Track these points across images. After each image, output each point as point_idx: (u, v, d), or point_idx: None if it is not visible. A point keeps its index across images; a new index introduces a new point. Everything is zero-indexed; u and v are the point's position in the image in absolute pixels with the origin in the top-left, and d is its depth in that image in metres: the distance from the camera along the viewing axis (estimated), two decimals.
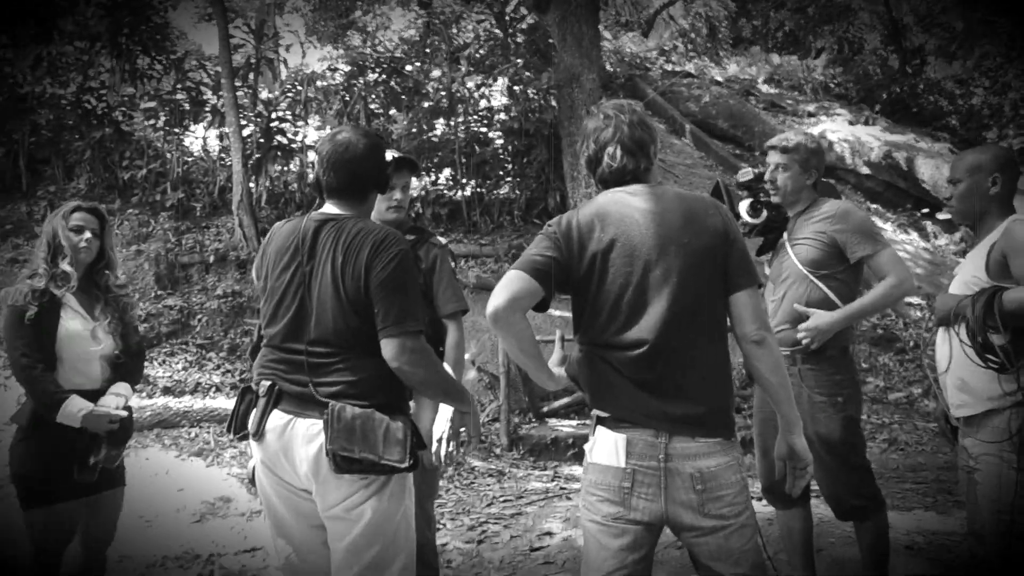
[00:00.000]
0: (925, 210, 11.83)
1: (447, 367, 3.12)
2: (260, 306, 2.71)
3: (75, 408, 3.15)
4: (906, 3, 14.57)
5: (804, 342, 3.24)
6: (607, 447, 2.28)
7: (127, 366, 3.42)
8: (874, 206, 12.17)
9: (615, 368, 2.29)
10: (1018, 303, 2.65)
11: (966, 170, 2.94)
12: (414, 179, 3.56)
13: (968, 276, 2.91)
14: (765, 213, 3.44)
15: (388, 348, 2.44)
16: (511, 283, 2.27)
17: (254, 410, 2.57)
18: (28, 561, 3.21)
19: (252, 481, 2.71)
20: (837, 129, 13.40)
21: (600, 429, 2.33)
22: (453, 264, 3.40)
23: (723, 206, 2.43)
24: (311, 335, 2.51)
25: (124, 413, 3.26)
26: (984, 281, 2.82)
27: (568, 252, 2.31)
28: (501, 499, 5.84)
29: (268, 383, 2.55)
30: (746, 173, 3.62)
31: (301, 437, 2.47)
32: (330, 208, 2.65)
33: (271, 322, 2.60)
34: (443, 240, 3.47)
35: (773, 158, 3.47)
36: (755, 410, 3.59)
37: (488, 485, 6.25)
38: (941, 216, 10.98)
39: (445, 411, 3.05)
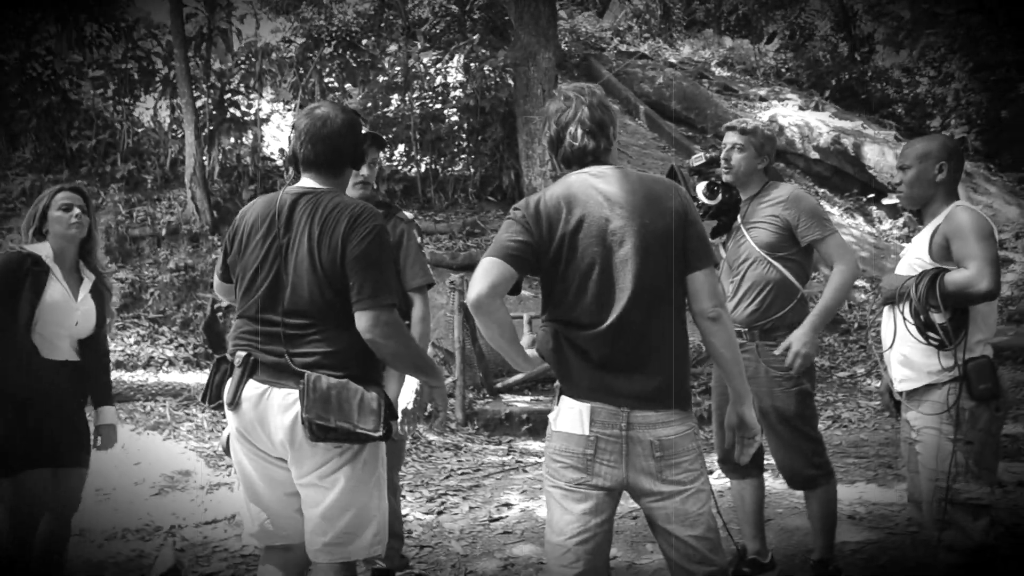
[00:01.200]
0: (871, 195, 12.15)
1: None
2: (215, 276, 2.79)
3: None
4: None
5: (796, 368, 3.36)
6: (571, 416, 2.38)
7: (93, 378, 3.48)
8: (822, 190, 12.47)
9: (579, 348, 2.38)
10: (956, 284, 2.81)
11: (915, 157, 3.07)
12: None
13: (912, 258, 3.06)
14: (721, 195, 3.56)
15: (362, 320, 2.51)
16: (489, 271, 2.34)
17: (229, 380, 2.62)
18: (5, 530, 3.22)
19: (226, 450, 2.76)
20: (788, 114, 13.66)
21: (564, 399, 2.42)
22: (419, 239, 3.46)
23: (682, 189, 2.53)
24: (287, 306, 2.56)
25: None
26: (927, 263, 2.97)
27: (538, 234, 2.38)
28: (459, 472, 5.94)
29: (244, 353, 2.60)
30: (699, 158, 3.74)
31: (277, 406, 2.53)
32: (306, 182, 2.69)
33: (246, 294, 2.64)
34: (409, 215, 3.53)
35: (730, 138, 3.60)
36: (713, 384, 3.74)
37: (445, 459, 6.34)
38: (887, 201, 11.30)
39: (410, 383, 3.14)
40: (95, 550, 4.44)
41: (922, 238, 3.06)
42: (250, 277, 2.63)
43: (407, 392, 3.27)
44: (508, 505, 5.05)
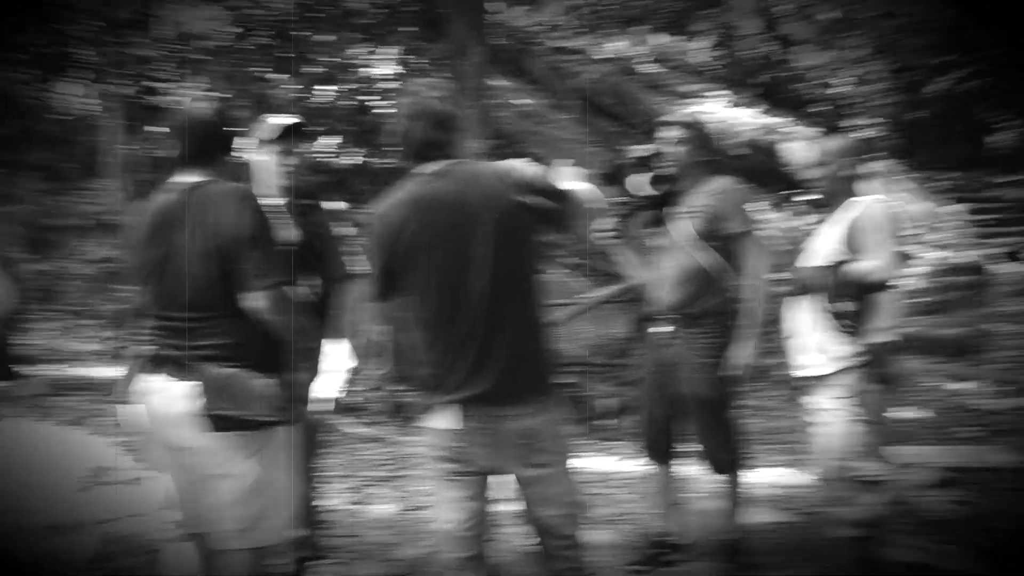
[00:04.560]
0: (792, 190, 12.47)
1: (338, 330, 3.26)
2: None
3: None
4: None
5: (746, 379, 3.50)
6: (441, 414, 2.53)
7: None
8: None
9: (439, 352, 2.50)
10: (860, 274, 2.97)
11: (831, 155, 3.25)
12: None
13: (825, 249, 3.21)
14: (662, 186, 3.65)
15: (254, 299, 2.55)
16: (378, 313, 2.76)
17: (139, 375, 2.68)
18: None
19: (142, 442, 2.77)
20: (713, 110, 13.94)
21: (433, 397, 2.55)
22: (343, 230, 3.48)
23: (514, 174, 2.55)
24: (181, 302, 2.60)
25: None
26: (838, 254, 3.12)
27: (387, 252, 2.56)
28: (381, 463, 5.95)
29: (150, 349, 2.66)
30: (644, 149, 3.81)
31: (180, 399, 2.57)
32: (181, 177, 2.72)
33: (144, 294, 2.70)
34: (336, 206, 3.53)
35: (669, 132, 3.68)
36: (643, 376, 3.82)
37: (368, 449, 6.34)
38: (806, 197, 11.64)
39: (336, 373, 3.17)
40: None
41: (833, 231, 3.21)
42: (145, 278, 2.69)
43: (332, 382, 3.30)
44: (431, 494, 5.07)
